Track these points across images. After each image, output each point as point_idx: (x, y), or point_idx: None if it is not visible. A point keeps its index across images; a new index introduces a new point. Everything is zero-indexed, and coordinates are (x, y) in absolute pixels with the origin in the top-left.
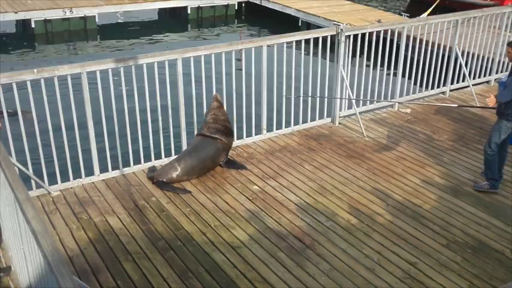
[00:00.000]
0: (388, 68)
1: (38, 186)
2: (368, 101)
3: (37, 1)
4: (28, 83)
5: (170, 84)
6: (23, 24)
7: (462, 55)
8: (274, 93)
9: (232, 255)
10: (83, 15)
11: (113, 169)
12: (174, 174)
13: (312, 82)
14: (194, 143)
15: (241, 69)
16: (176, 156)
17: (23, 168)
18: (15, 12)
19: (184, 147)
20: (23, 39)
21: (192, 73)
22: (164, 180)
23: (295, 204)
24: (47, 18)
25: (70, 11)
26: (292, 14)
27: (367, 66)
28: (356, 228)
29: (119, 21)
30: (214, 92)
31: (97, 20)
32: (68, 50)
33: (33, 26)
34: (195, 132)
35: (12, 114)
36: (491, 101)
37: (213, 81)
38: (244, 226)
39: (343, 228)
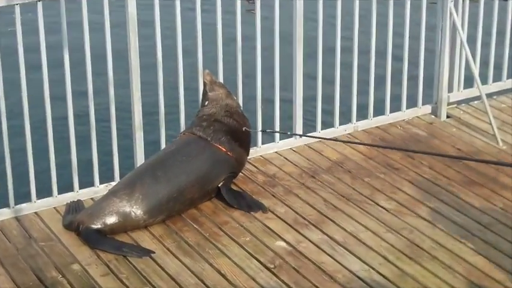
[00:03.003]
0: None
1: None
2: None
3: None
4: None
5: (113, 46)
6: None
7: None
8: (318, 64)
9: None
10: None
11: None
12: (118, 216)
13: (392, 40)
14: (169, 149)
15: (253, 11)
16: (124, 178)
17: None
18: None
19: (140, 161)
20: None
21: (157, 23)
22: (98, 228)
23: (361, 279)
24: None
25: None
26: None
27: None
28: None
29: None
30: (200, 65)
31: None
32: None
33: None
34: (161, 135)
35: None
36: None
37: (199, 37)
38: None
39: None
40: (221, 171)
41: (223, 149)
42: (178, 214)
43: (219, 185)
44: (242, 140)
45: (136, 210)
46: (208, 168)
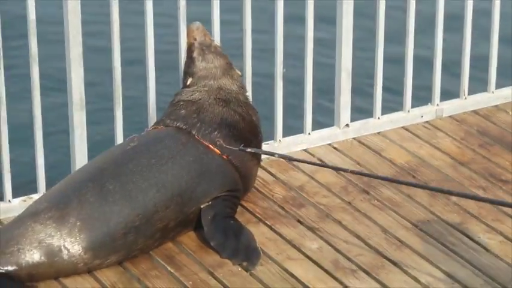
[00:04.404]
0: None
1: None
2: None
3: None
4: None
5: None
6: None
7: None
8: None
9: None
10: None
11: None
12: (41, 254)
13: None
14: (128, 146)
15: None
16: (52, 190)
17: None
18: None
19: (81, 162)
20: None
21: None
22: (7, 270)
23: None
24: None
25: None
26: None
27: None
28: None
29: None
30: (182, 15)
31: None
32: None
33: None
34: (116, 121)
35: None
36: None
37: None
38: None
39: None
40: (213, 185)
41: (217, 150)
42: (143, 252)
43: (202, 207)
44: (246, 138)
45: (71, 246)
46: (192, 179)
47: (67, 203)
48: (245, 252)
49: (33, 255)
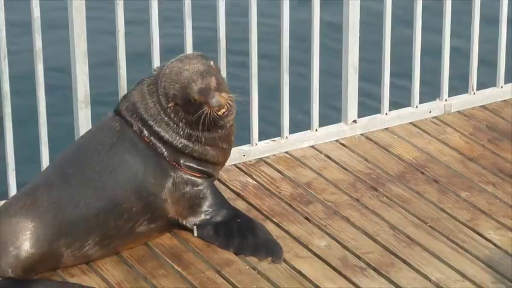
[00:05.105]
0: None
1: None
2: None
3: None
4: None
5: None
6: None
7: None
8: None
9: None
10: None
11: None
12: (27, 247)
13: None
14: (85, 135)
15: None
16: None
17: None
18: None
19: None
20: None
21: None
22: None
23: None
24: None
25: None
26: None
27: None
28: None
29: None
30: None
31: None
32: None
33: None
34: None
35: None
36: None
37: None
38: None
39: None
40: (156, 171)
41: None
42: (119, 235)
43: (195, 235)
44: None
45: (50, 230)
46: (136, 164)
47: (35, 189)
48: (266, 247)
49: (22, 251)
